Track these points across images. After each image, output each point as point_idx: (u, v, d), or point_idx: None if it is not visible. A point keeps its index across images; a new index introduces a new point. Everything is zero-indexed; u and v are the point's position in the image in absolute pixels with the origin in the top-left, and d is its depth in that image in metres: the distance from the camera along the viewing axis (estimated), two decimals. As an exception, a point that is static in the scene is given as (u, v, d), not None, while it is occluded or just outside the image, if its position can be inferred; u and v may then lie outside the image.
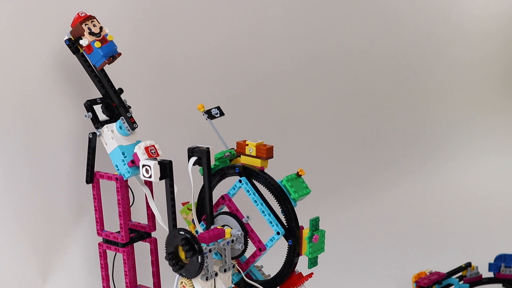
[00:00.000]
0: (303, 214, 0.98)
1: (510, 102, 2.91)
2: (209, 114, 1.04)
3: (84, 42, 1.01)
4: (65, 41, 1.03)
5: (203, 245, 0.89)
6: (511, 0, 2.83)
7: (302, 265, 0.98)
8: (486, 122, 2.64)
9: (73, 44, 1.03)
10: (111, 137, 1.04)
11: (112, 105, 1.06)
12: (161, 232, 1.02)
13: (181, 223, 0.95)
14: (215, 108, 1.05)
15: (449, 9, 2.40)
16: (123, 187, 1.05)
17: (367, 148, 2.10)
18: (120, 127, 1.04)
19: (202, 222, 1.01)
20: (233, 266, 0.98)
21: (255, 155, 0.97)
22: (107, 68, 1.05)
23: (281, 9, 1.70)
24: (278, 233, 0.96)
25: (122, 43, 1.06)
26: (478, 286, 1.52)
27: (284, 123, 1.74)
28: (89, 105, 1.05)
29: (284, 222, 0.96)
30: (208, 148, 0.94)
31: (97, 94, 1.07)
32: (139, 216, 1.14)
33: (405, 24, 2.19)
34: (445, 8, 2.37)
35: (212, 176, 1.01)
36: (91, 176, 1.08)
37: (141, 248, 1.15)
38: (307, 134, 1.83)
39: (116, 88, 1.06)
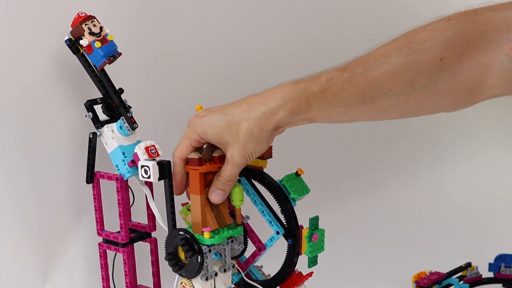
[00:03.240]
0: (303, 214, 0.98)
1: (510, 100, 2.91)
2: (209, 114, 1.04)
3: (84, 42, 1.01)
4: (65, 41, 1.04)
5: (203, 245, 0.89)
6: None
7: (302, 265, 0.98)
8: (486, 119, 2.64)
9: (73, 44, 1.03)
10: (111, 137, 1.04)
11: (112, 105, 1.06)
12: (161, 232, 1.02)
13: (180, 224, 0.95)
14: (214, 108, 1.05)
15: (453, 4, 2.39)
16: (123, 187, 1.05)
17: (367, 147, 2.10)
18: (121, 127, 1.05)
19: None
20: (233, 266, 0.98)
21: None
22: (107, 68, 1.05)
23: (281, 7, 1.70)
24: (277, 233, 0.96)
25: (122, 43, 1.06)
26: (478, 286, 1.52)
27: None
28: (89, 105, 1.05)
29: (284, 221, 0.96)
30: (208, 148, 0.94)
31: (97, 94, 1.07)
32: (139, 216, 1.14)
33: (405, 18, 2.19)
34: (450, 3, 2.36)
35: (212, 176, 1.01)
36: (91, 176, 1.08)
37: (141, 248, 1.15)
38: (306, 134, 1.83)
39: (117, 88, 1.06)
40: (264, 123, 0.84)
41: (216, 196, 0.90)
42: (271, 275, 1.02)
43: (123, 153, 1.04)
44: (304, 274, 1.00)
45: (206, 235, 0.88)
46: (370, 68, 0.83)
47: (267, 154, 0.95)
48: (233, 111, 0.85)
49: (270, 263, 1.04)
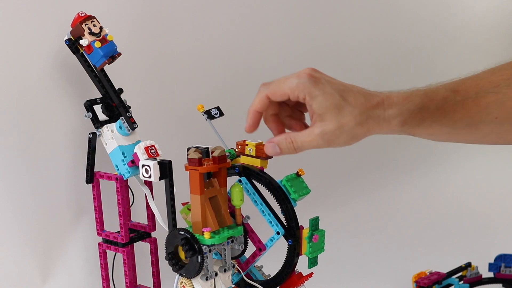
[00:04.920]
0: (303, 214, 0.98)
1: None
2: (209, 114, 1.04)
3: (84, 42, 1.01)
4: (65, 41, 1.04)
5: (203, 245, 0.89)
6: None
7: (302, 265, 0.98)
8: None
9: (73, 44, 1.03)
10: (111, 137, 1.04)
11: (112, 105, 1.06)
12: (161, 232, 1.02)
13: (181, 223, 0.95)
14: (214, 108, 1.05)
15: (454, 5, 2.39)
16: (123, 187, 1.05)
17: (367, 148, 2.09)
18: (120, 127, 1.05)
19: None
20: (233, 266, 0.98)
21: (254, 155, 0.97)
22: (107, 68, 1.05)
23: (281, 7, 1.70)
24: (278, 233, 0.96)
25: (122, 43, 1.06)
26: (478, 286, 1.52)
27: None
28: (89, 105, 1.05)
29: (284, 222, 0.96)
30: (208, 148, 0.94)
31: (97, 94, 1.07)
32: (139, 216, 1.14)
33: (407, 19, 2.19)
34: (449, 3, 2.36)
35: (212, 176, 1.01)
36: (91, 176, 1.08)
37: (141, 248, 1.15)
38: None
39: (116, 88, 1.06)
40: (373, 127, 0.83)
41: (270, 149, 0.86)
42: (271, 275, 1.02)
43: (123, 153, 1.04)
44: (304, 275, 1.00)
45: (206, 235, 0.88)
46: (481, 94, 0.85)
47: (268, 154, 0.95)
48: (349, 98, 0.82)
49: (270, 263, 1.04)
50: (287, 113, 0.89)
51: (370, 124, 0.83)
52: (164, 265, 1.01)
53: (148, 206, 1.09)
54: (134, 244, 1.11)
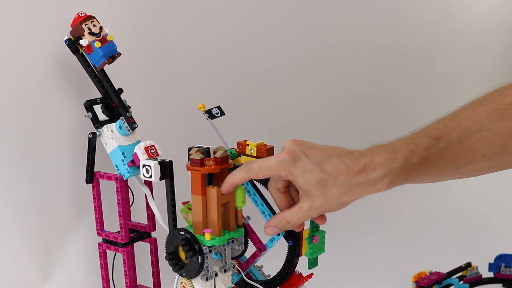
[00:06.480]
0: (303, 215, 0.98)
1: None
2: (210, 114, 1.04)
3: (84, 42, 1.01)
4: (65, 41, 1.03)
5: (203, 245, 0.89)
6: None
7: (302, 266, 0.98)
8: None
9: (73, 44, 1.03)
10: (111, 137, 1.04)
11: (112, 105, 1.06)
12: (161, 232, 1.02)
13: (181, 223, 0.95)
14: (215, 107, 1.05)
15: (454, 5, 2.39)
16: (123, 187, 1.05)
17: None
18: (120, 127, 1.04)
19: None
20: (233, 266, 0.98)
21: (255, 155, 0.97)
22: (107, 68, 1.05)
23: (281, 7, 1.70)
24: (278, 234, 0.96)
25: (122, 43, 1.06)
26: (478, 286, 1.52)
27: (284, 123, 1.74)
28: (89, 105, 1.05)
29: (284, 222, 0.96)
30: (208, 148, 0.94)
31: (97, 94, 1.07)
32: (139, 216, 1.14)
33: (407, 19, 2.19)
34: (449, 4, 2.36)
35: (212, 176, 1.01)
36: (91, 176, 1.08)
37: (141, 248, 1.15)
38: (308, 134, 1.83)
39: (116, 88, 1.06)
40: (360, 192, 0.84)
41: (271, 231, 0.91)
42: (271, 276, 1.02)
43: (123, 153, 1.04)
44: (304, 275, 1.00)
45: (207, 236, 0.88)
46: (464, 135, 0.84)
47: (269, 155, 0.94)
48: (329, 169, 0.84)
49: (271, 263, 1.04)
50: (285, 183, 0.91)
51: (356, 191, 0.84)
52: (164, 265, 1.01)
53: (148, 206, 1.09)
54: (134, 244, 1.10)
